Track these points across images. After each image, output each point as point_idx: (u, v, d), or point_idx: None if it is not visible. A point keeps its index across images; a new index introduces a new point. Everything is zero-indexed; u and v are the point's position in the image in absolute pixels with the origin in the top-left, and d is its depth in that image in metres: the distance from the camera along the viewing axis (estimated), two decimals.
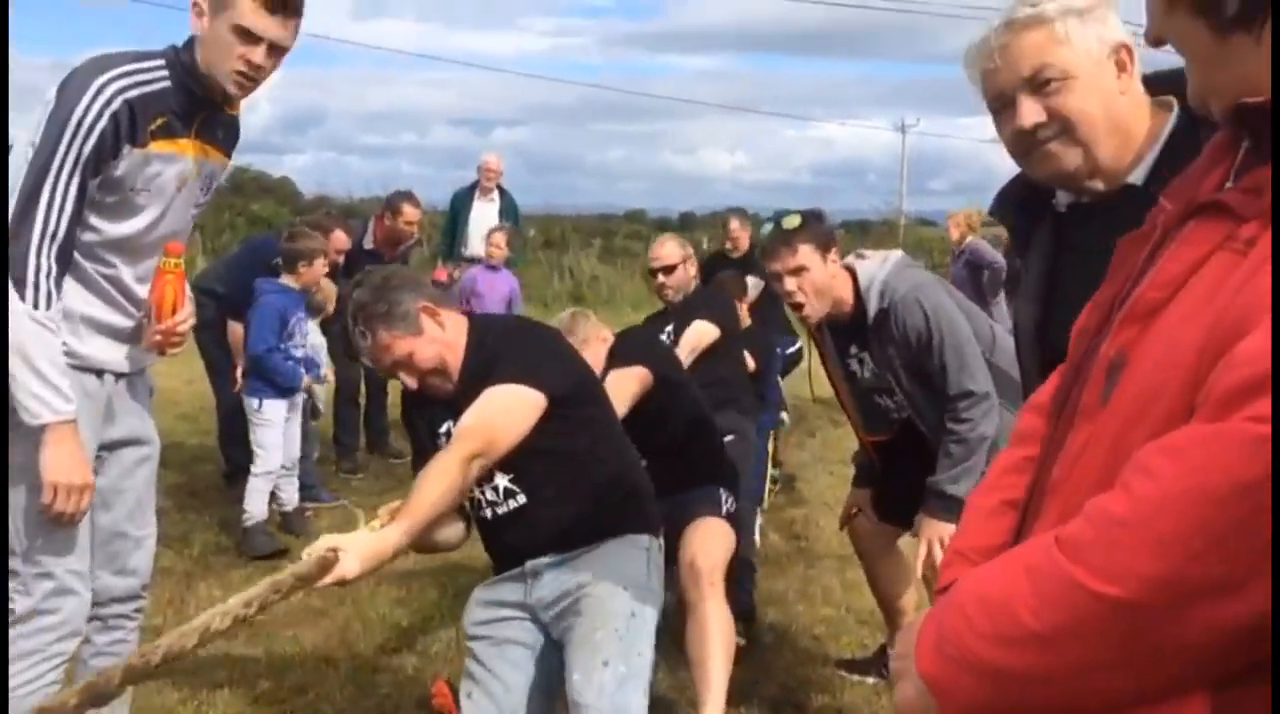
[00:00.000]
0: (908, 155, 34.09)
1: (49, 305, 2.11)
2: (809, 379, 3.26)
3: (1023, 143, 1.64)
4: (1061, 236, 1.76)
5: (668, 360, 3.64)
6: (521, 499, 2.41)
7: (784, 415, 7.15)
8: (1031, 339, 1.78)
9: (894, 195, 31.89)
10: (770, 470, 5.58)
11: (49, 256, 2.11)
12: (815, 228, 2.98)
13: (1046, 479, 1.06)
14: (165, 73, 2.22)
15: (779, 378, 6.04)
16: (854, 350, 3.11)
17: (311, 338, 5.52)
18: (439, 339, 2.38)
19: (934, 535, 2.85)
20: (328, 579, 1.93)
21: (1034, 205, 1.81)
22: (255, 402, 4.95)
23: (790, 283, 2.96)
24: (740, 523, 3.42)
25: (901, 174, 33.59)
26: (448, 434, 2.43)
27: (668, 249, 4.45)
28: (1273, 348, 0.79)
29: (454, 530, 2.46)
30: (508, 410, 2.28)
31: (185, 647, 1.55)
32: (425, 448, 2.53)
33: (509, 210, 8.77)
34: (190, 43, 2.26)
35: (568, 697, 2.30)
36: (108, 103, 2.13)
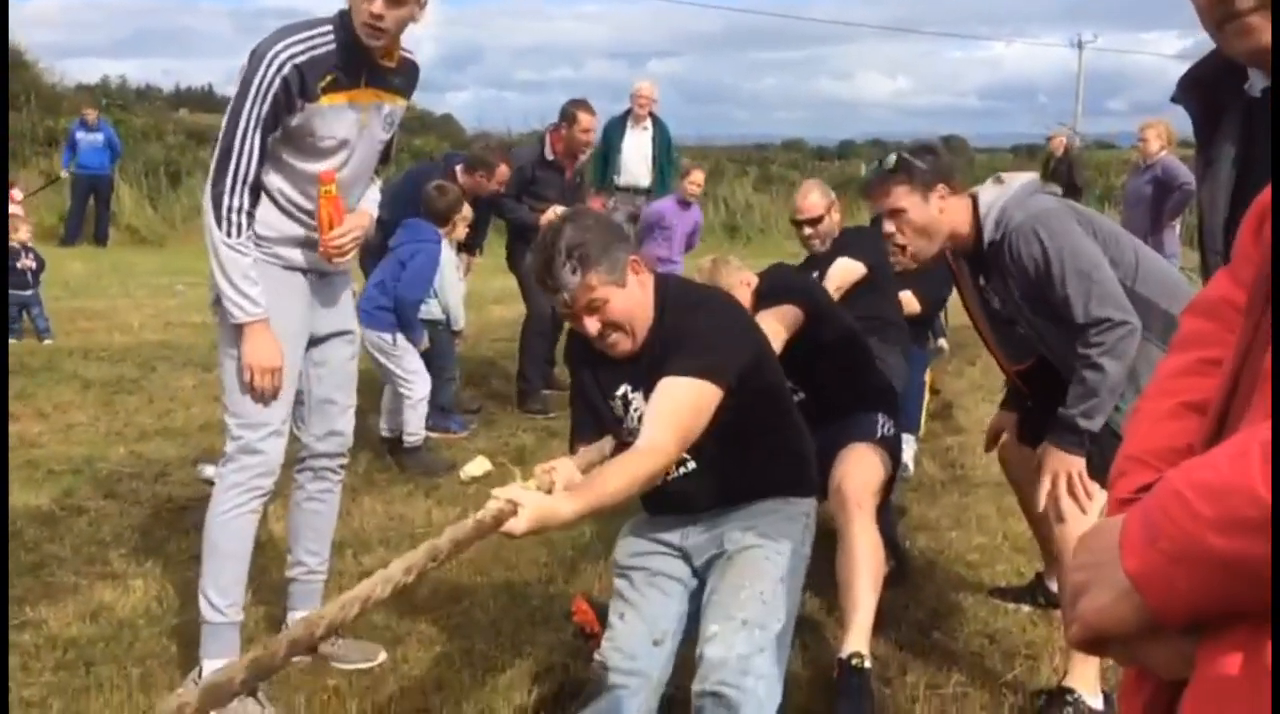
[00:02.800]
0: (1084, 73, 32.07)
1: (240, 234, 2.65)
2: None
3: (1219, 13, 1.46)
4: (1254, 124, 1.60)
5: (817, 292, 3.57)
6: (692, 465, 2.43)
7: (942, 343, 6.95)
8: (1221, 231, 1.63)
9: (1068, 117, 30.10)
10: (927, 400, 5.46)
11: (240, 196, 2.64)
12: (912, 167, 2.80)
13: (1257, 369, 0.96)
14: (331, 36, 2.64)
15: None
16: (982, 281, 2.92)
17: (460, 287, 5.66)
18: (634, 296, 2.37)
19: (1059, 468, 2.68)
20: (497, 530, 1.88)
21: (1223, 90, 1.65)
22: (389, 336, 5.06)
23: (889, 224, 2.83)
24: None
25: (1077, 93, 31.68)
26: (624, 398, 2.45)
27: (811, 200, 4.41)
28: (1273, 345, 0.69)
29: None
30: (693, 411, 2.26)
31: (348, 617, 1.53)
32: (590, 401, 2.53)
33: (662, 139, 8.70)
34: None
35: (698, 647, 2.30)
36: (279, 69, 2.58)
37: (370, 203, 3.01)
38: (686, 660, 2.43)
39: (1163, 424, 1.11)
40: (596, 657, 2.42)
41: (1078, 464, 2.66)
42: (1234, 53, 1.52)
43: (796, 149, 27.95)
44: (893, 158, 2.86)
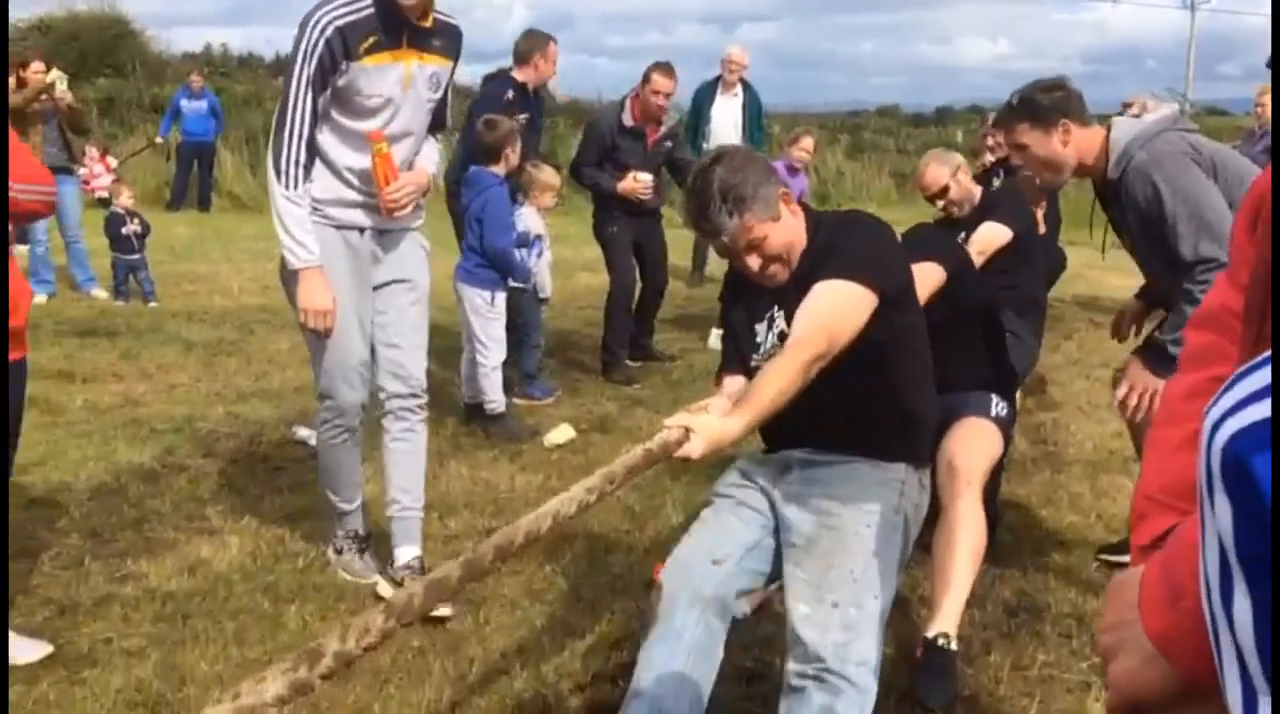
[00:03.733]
0: (1195, 36, 30.72)
1: (296, 187, 2.95)
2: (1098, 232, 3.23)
3: None
4: None
5: (960, 255, 3.47)
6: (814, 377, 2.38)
7: None
8: None
9: (1178, 82, 28.82)
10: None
11: (297, 150, 2.92)
12: (1034, 104, 2.95)
13: None
14: (370, 1, 2.86)
15: None
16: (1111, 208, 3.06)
17: (548, 255, 5.63)
18: (790, 226, 2.41)
19: (1139, 382, 2.81)
20: (675, 455, 1.98)
21: None
22: (489, 294, 5.10)
23: (1016, 158, 3.12)
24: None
25: (1188, 58, 30.35)
26: (770, 320, 2.47)
27: (931, 175, 4.22)
28: (1273, 347, 0.63)
29: None
30: (843, 309, 2.27)
31: (541, 528, 1.62)
32: (736, 332, 2.57)
33: (752, 105, 8.61)
34: None
35: (788, 626, 2.23)
36: (322, 31, 2.83)
37: (427, 161, 3.22)
38: (773, 637, 2.41)
39: (1175, 456, 1.01)
40: (657, 579, 2.41)
41: (1159, 385, 2.71)
42: None
43: (891, 116, 27.27)
44: (1016, 97, 3.01)
